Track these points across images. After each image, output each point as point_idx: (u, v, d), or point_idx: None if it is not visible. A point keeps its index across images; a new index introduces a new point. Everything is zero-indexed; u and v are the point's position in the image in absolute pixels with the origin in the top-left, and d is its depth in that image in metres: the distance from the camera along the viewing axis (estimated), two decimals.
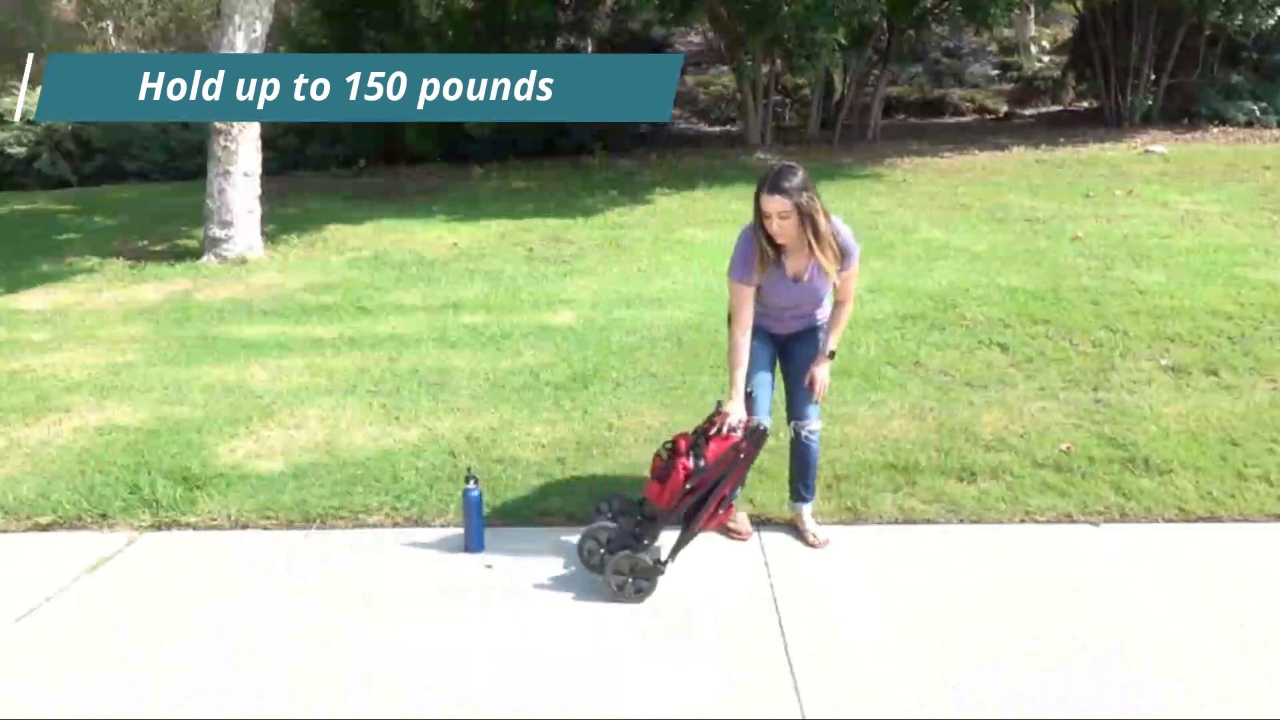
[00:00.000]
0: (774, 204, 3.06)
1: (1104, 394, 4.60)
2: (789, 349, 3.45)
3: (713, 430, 3.15)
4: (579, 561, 3.30)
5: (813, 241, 3.10)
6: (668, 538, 3.20)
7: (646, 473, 3.95)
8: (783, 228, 3.09)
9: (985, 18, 11.28)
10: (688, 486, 3.06)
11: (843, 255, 3.19)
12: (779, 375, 3.50)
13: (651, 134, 14.58)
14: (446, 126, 11.84)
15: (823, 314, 3.40)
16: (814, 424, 3.45)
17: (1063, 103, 16.24)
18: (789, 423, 3.47)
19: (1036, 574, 3.25)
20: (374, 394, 4.88)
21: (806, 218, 3.07)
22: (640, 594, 3.10)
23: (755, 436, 3.11)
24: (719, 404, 3.21)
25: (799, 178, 3.07)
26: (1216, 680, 2.68)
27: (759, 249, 3.15)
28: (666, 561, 3.11)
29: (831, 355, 3.43)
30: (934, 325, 5.51)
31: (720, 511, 3.11)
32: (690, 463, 3.07)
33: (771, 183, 3.05)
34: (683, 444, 3.17)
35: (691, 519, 3.12)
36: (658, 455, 3.27)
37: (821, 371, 3.41)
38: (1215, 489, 3.74)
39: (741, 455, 3.08)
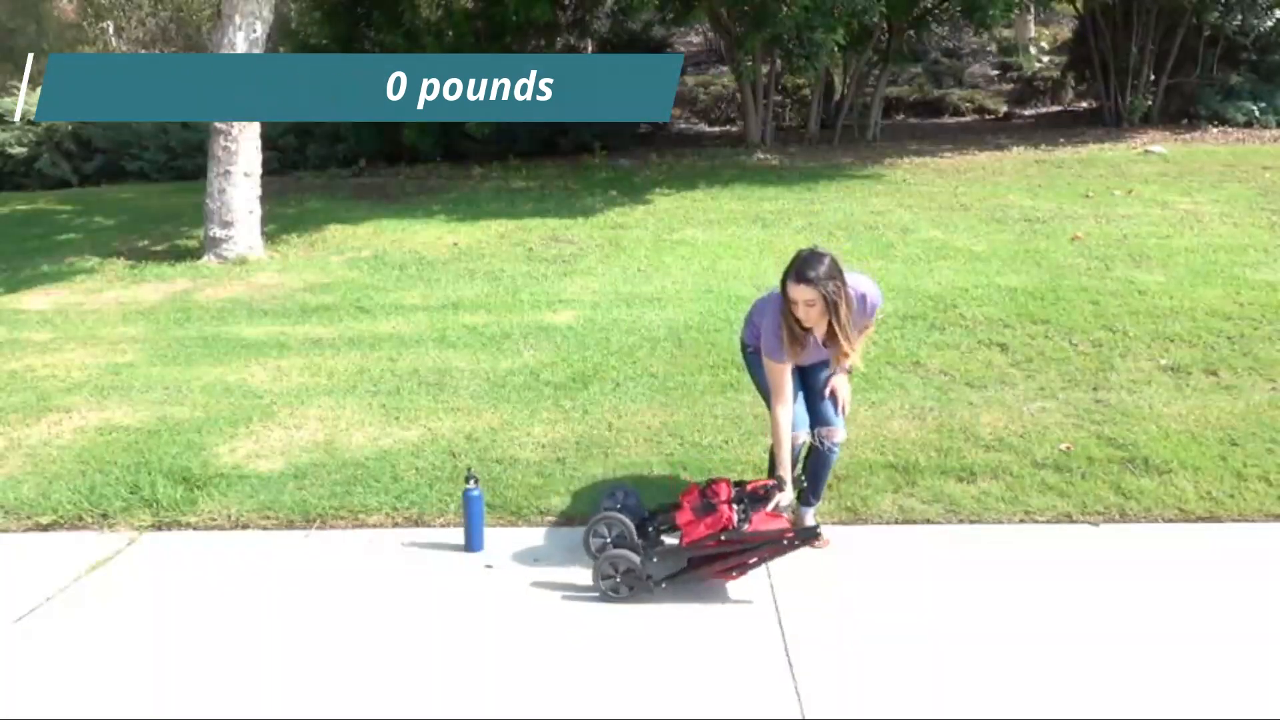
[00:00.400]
0: (800, 293, 3.06)
1: (1104, 394, 4.60)
2: (806, 367, 3.45)
3: (762, 494, 3.18)
4: (583, 550, 3.31)
5: (834, 326, 3.13)
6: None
7: (646, 473, 3.98)
8: (808, 314, 3.11)
9: (985, 18, 11.26)
10: (721, 538, 3.06)
11: (865, 322, 3.27)
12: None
13: (651, 134, 14.57)
14: (447, 126, 11.83)
15: None
16: (840, 434, 3.42)
17: (1062, 103, 16.24)
18: (811, 429, 3.40)
19: (1036, 574, 3.26)
20: (374, 394, 4.89)
21: (831, 306, 3.08)
22: (632, 591, 3.10)
23: (806, 536, 3.11)
24: (780, 479, 3.22)
25: (825, 265, 3.06)
26: (1217, 680, 2.68)
27: (789, 331, 3.16)
28: (662, 582, 3.11)
29: (849, 370, 3.45)
30: (934, 325, 5.52)
31: (734, 572, 3.11)
32: (734, 519, 3.08)
33: (798, 271, 3.05)
34: (725, 491, 3.19)
35: (703, 564, 3.12)
36: (696, 487, 3.29)
37: (842, 383, 3.43)
38: (1215, 489, 3.75)
39: (784, 544, 3.08)
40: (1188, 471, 3.87)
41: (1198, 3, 11.68)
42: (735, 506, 3.12)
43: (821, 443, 3.41)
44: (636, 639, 2.93)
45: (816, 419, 3.41)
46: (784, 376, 3.21)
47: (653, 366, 5.12)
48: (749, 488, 3.26)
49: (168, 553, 3.58)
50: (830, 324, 3.15)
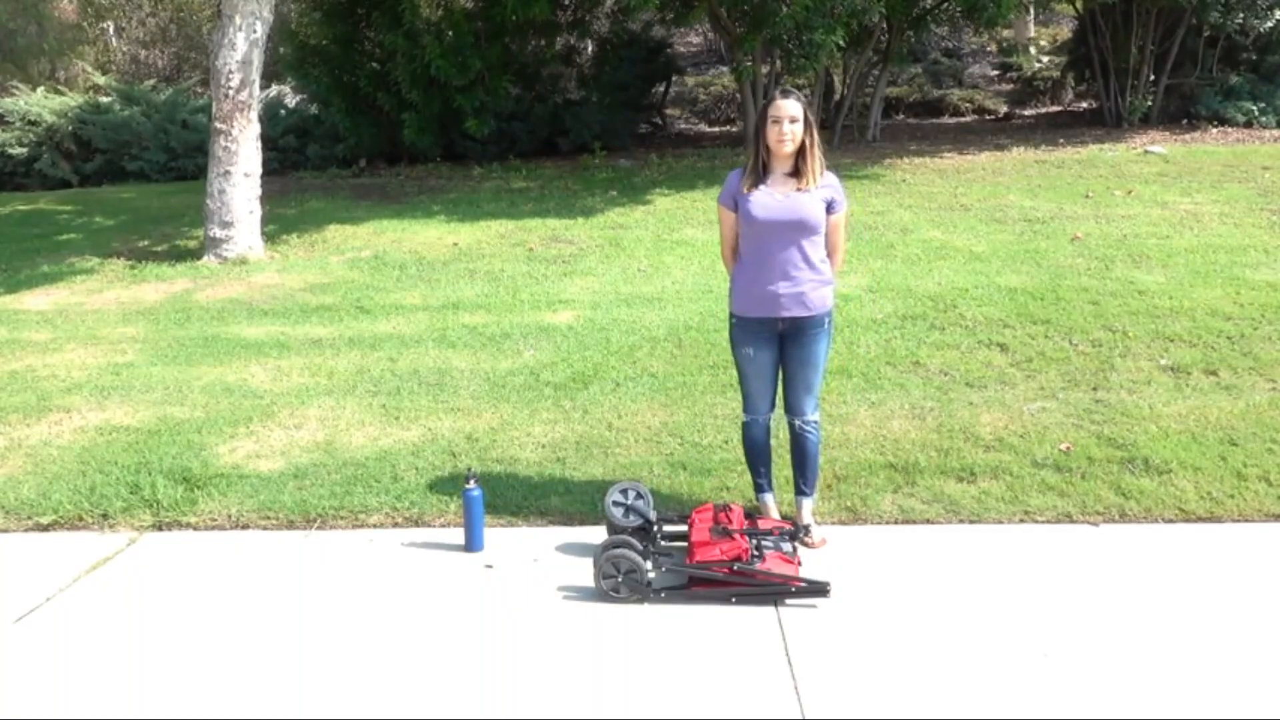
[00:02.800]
0: (786, 108, 3.26)
1: (1104, 394, 4.60)
2: (787, 350, 3.44)
3: (777, 534, 3.23)
4: (584, 551, 3.31)
5: (807, 145, 3.30)
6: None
7: (646, 473, 3.98)
8: (792, 132, 3.27)
9: (986, 18, 11.25)
10: (734, 568, 3.09)
11: (833, 195, 3.39)
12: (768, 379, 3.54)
13: (651, 134, 14.58)
14: (446, 126, 11.83)
15: (819, 299, 3.38)
16: (810, 416, 3.49)
17: (1062, 103, 16.22)
18: (787, 417, 3.53)
19: (1036, 574, 3.26)
20: (374, 394, 4.89)
21: (809, 126, 3.29)
22: (633, 591, 3.11)
23: (814, 588, 3.11)
24: (807, 526, 3.39)
25: (801, 96, 3.34)
26: (1216, 680, 2.68)
27: (759, 162, 3.34)
28: (661, 592, 3.13)
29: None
30: (934, 325, 5.52)
31: (733, 598, 3.12)
32: (747, 552, 3.11)
33: (783, 91, 3.32)
34: (739, 519, 3.24)
35: (704, 585, 3.13)
36: (711, 506, 3.33)
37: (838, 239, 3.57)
38: (1215, 489, 3.75)
39: (792, 590, 3.09)
40: (1188, 471, 3.87)
41: (1198, 3, 11.67)
42: (750, 540, 3.16)
43: (793, 425, 3.51)
44: (637, 639, 2.93)
45: (788, 407, 3.52)
46: (729, 228, 3.46)
47: (653, 366, 5.12)
48: (760, 524, 3.30)
49: (168, 553, 3.58)
50: (804, 146, 3.29)
